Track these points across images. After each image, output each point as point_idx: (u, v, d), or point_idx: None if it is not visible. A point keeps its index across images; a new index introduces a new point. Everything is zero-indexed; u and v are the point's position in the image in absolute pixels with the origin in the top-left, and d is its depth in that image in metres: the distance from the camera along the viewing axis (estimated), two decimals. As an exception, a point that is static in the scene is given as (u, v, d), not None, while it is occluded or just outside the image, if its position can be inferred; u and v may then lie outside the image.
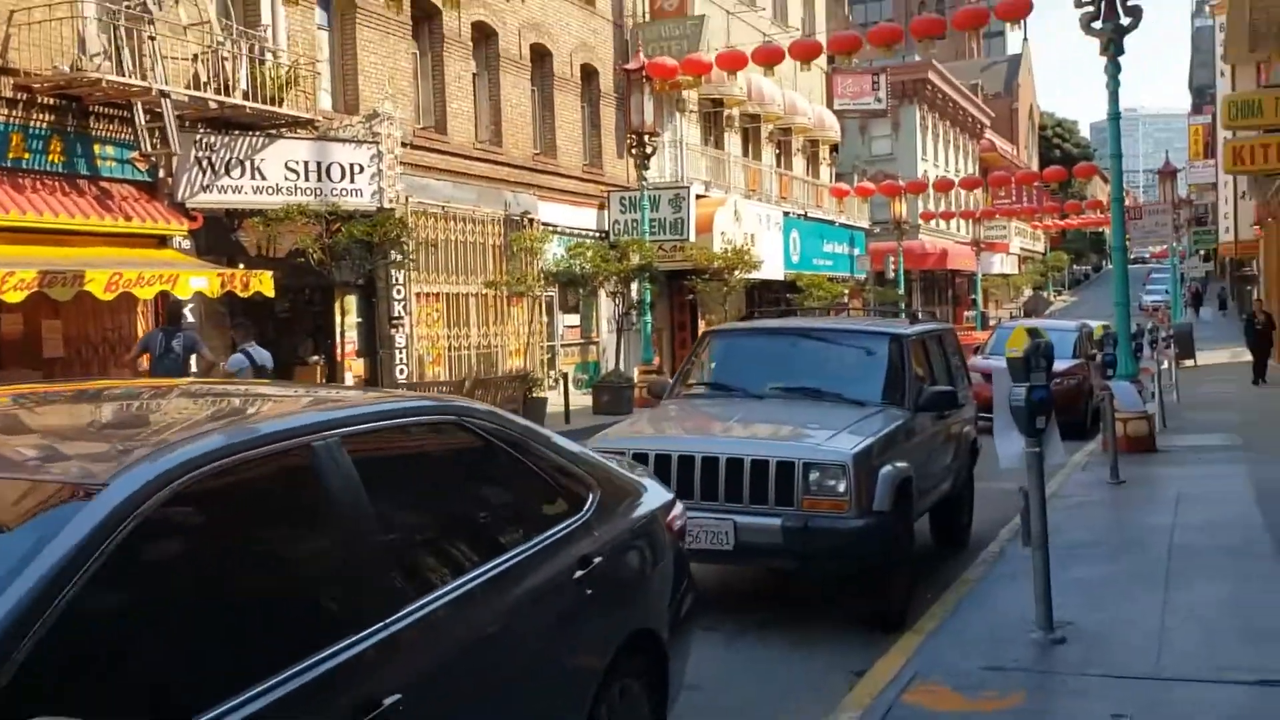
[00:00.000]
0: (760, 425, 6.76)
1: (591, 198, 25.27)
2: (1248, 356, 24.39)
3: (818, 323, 8.48)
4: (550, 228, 23.33)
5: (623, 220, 25.29)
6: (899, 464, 6.50)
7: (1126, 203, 13.58)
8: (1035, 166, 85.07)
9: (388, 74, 19.17)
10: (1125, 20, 13.11)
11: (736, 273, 25.24)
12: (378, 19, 19.04)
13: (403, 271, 19.22)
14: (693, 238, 25.21)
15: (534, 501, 3.60)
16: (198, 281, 13.63)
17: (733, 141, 32.67)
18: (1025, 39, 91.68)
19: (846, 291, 43.44)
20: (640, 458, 6.28)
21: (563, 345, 24.42)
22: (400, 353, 19.15)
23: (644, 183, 22.82)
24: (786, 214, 34.17)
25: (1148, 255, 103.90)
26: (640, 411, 8.18)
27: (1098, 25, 13.22)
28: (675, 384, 7.62)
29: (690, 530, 5.97)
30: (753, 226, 29.49)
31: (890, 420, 6.82)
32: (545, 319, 23.37)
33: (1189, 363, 30.15)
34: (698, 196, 28.18)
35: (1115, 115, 13.08)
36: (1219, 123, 19.48)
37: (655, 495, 4.21)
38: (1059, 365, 17.54)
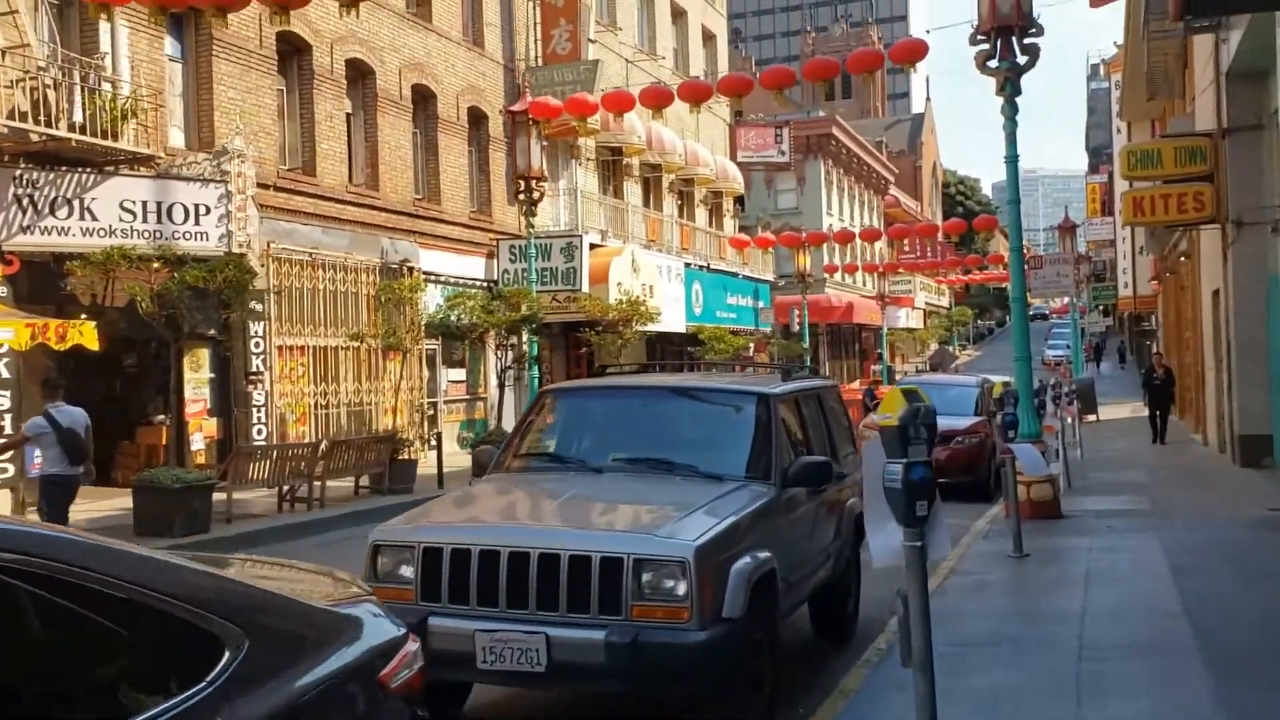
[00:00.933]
0: (589, 509, 5.49)
1: (479, 246, 24.03)
2: (1147, 411, 23.68)
3: (674, 380, 7.16)
4: (432, 277, 22.02)
5: (512, 270, 24.07)
6: (759, 554, 5.30)
7: (1026, 255, 12.76)
8: (939, 220, 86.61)
9: (248, 110, 17.76)
10: (1022, 59, 12.40)
11: (633, 325, 24.12)
12: (238, 52, 17.67)
13: (262, 322, 17.72)
14: (586, 288, 24.09)
15: (106, 672, 2.28)
16: (1, 333, 12.01)
17: (633, 191, 31.79)
18: (928, 98, 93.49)
19: (751, 345, 42.87)
20: (432, 553, 4.98)
21: (446, 402, 23.00)
22: (258, 411, 17.56)
23: (531, 230, 21.65)
24: (688, 265, 33.33)
25: (1048, 311, 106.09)
26: (456, 489, 6.74)
27: (994, 64, 12.49)
28: (502, 454, 6.34)
29: (494, 648, 4.70)
30: (652, 277, 28.50)
31: (752, 499, 5.63)
32: (425, 374, 21.93)
33: (1091, 418, 29.87)
34: (593, 246, 27.13)
35: (1013, 157, 12.32)
36: (1117, 174, 19.05)
37: (373, 635, 2.93)
38: (960, 423, 16.83)
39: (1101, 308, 62.32)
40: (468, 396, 23.98)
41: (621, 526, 5.21)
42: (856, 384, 49.71)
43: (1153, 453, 20.05)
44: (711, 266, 35.77)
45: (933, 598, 8.45)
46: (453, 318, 19.55)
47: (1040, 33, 12.38)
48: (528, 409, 6.84)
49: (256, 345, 17.58)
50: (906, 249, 63.96)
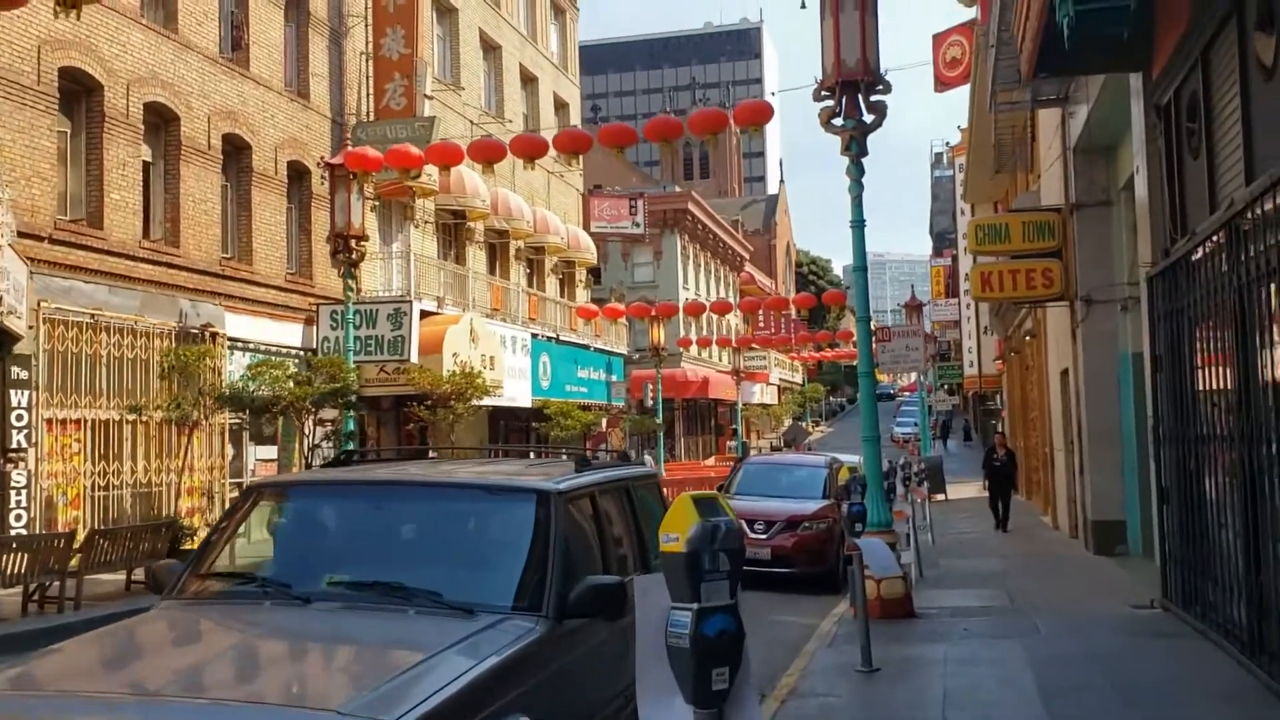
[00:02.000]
0: (251, 669, 3.81)
1: (297, 311, 22.07)
2: (988, 495, 21.98)
3: (426, 473, 5.52)
4: (240, 344, 19.98)
5: (333, 337, 22.14)
6: (509, 727, 3.74)
7: (874, 329, 11.71)
8: (792, 304, 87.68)
9: (19, 152, 15.63)
10: (868, 117, 11.48)
11: (468, 399, 22.41)
12: (9, 86, 15.58)
13: (28, 392, 15.43)
14: (415, 358, 22.32)
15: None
16: None
17: (476, 257, 30.28)
18: (781, 180, 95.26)
19: (604, 420, 41.49)
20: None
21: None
22: (18, 494, 15.18)
23: (350, 294, 19.85)
24: (536, 336, 31.84)
25: (893, 391, 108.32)
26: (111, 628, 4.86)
27: (839, 122, 11.54)
28: (186, 572, 4.65)
29: None
30: (494, 348, 26.90)
31: (514, 640, 4.09)
32: (230, 451, 19.74)
33: (940, 497, 29.41)
34: (429, 314, 25.42)
35: (859, 221, 11.30)
36: (964, 253, 18.56)
37: None
38: (807, 507, 15.68)
39: (947, 386, 63.43)
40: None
41: (282, 700, 3.52)
42: (712, 460, 48.90)
43: (1004, 538, 19.27)
44: (561, 338, 34.38)
45: (768, 731, 7.02)
46: (252, 388, 17.53)
47: (888, 89, 11.50)
48: (228, 510, 5.15)
49: (19, 418, 15.27)
50: (761, 324, 64.17)
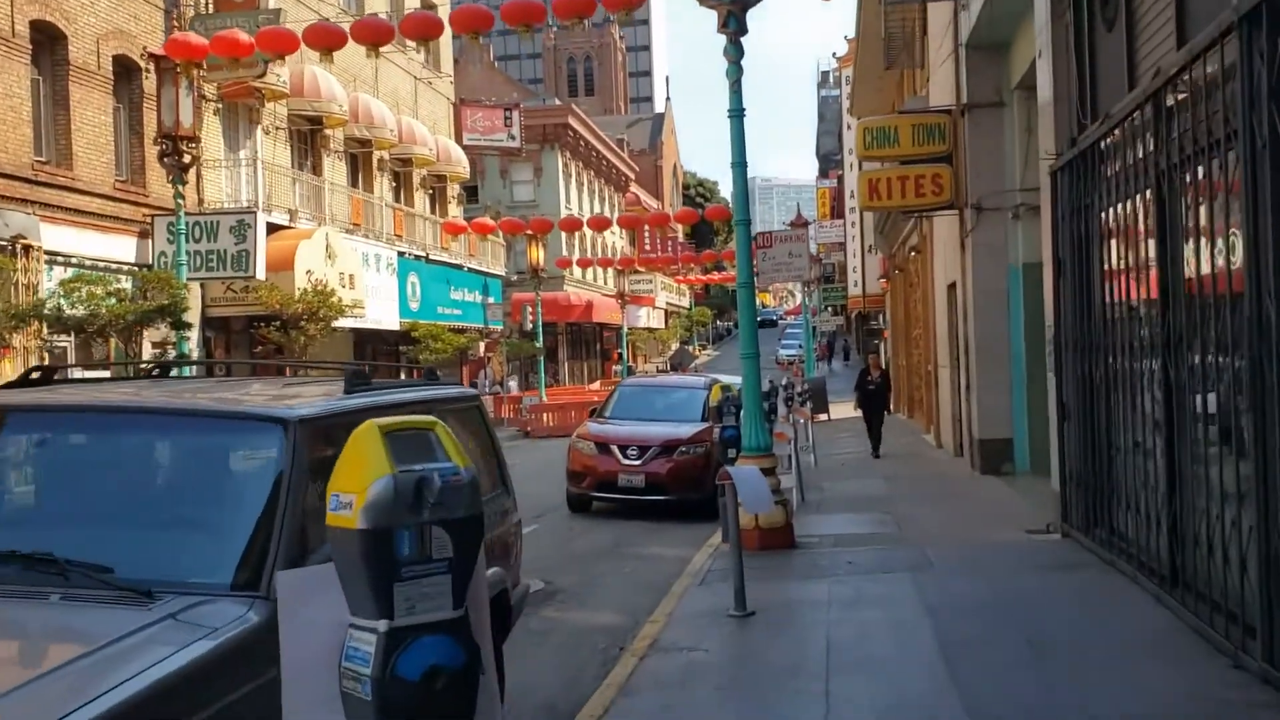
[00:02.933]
0: None
1: (130, 223, 19.93)
2: (863, 420, 20.14)
3: (122, 396, 4.01)
4: (61, 258, 17.86)
5: (170, 252, 20.10)
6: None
7: (754, 235, 10.51)
8: (680, 228, 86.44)
9: None
10: (747, -9, 10.12)
11: (321, 319, 20.68)
12: None
13: None
14: (262, 275, 20.45)
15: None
16: None
17: (336, 169, 28.18)
18: (668, 98, 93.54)
19: (482, 344, 39.92)
20: None
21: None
22: None
23: (179, 202, 17.83)
24: (403, 255, 30.01)
25: (777, 317, 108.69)
26: None
27: (715, -2, 10.16)
28: None
29: None
30: (353, 266, 25.08)
31: (204, 636, 2.73)
32: (48, 377, 17.71)
33: (823, 417, 28.89)
34: (280, 227, 23.46)
35: (738, 111, 10.02)
36: (852, 161, 17.50)
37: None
38: (684, 430, 14.56)
39: (831, 308, 63.40)
40: (114, 404, 19.84)
41: None
42: (597, 384, 47.74)
43: (887, 459, 18.44)
44: (432, 257, 32.58)
45: (622, 696, 5.87)
46: (65, 307, 15.57)
47: (768, -40, 10.16)
48: None
49: None
50: (648, 247, 62.92)
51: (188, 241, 20.14)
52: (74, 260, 18.14)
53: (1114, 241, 8.01)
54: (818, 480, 16.05)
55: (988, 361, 15.57)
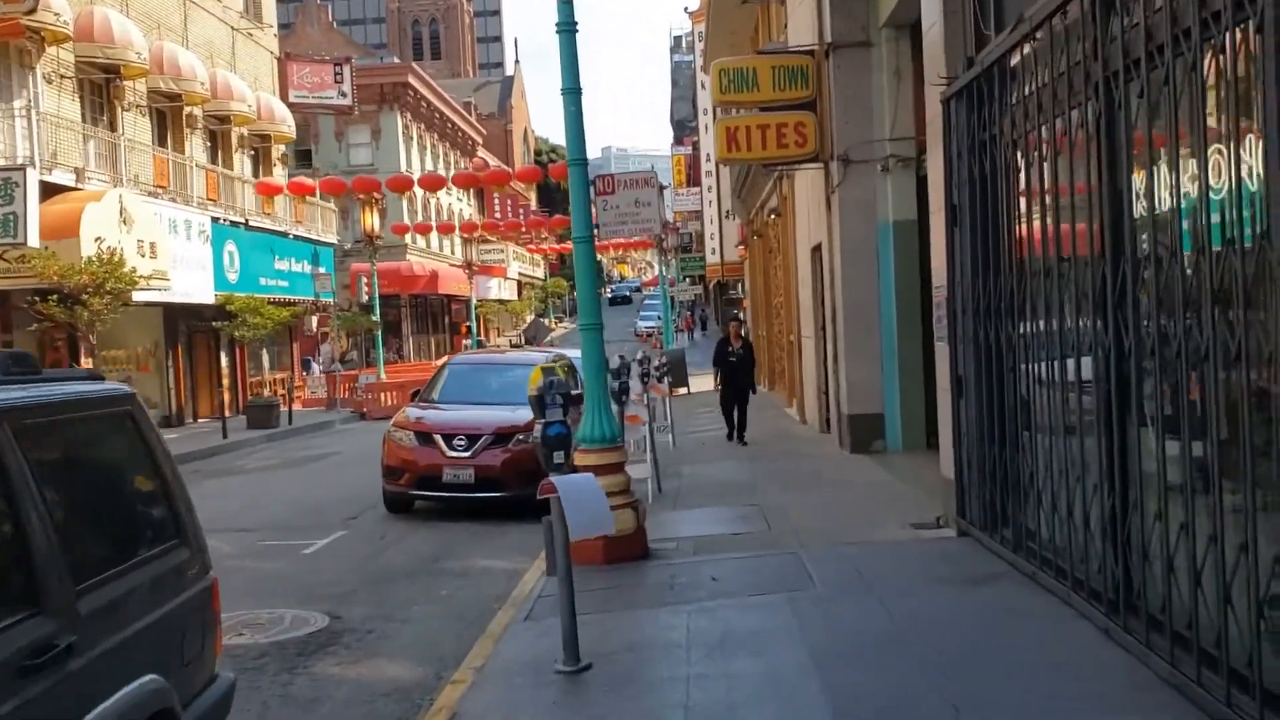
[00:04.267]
0: None
1: None
2: (720, 399, 17.23)
3: None
4: None
5: (-80, 215, 17.16)
6: None
7: (593, 179, 8.65)
8: (532, 195, 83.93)
9: None
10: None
11: (107, 293, 17.94)
12: None
13: None
14: (35, 242, 17.62)
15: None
16: None
17: (139, 125, 25.11)
18: (517, 60, 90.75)
19: (315, 319, 37.08)
20: None
21: None
22: None
23: (-85, 151, 14.97)
24: (217, 221, 27.12)
25: (639, 284, 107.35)
26: None
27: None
28: None
29: None
30: (155, 233, 22.25)
31: None
32: None
33: (682, 391, 27.47)
34: (65, 188, 20.52)
35: (568, 26, 8.13)
36: (711, 96, 15.78)
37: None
38: (523, 415, 12.56)
39: (690, 278, 62.23)
40: None
41: None
42: (444, 360, 45.25)
43: (750, 440, 16.71)
44: (252, 224, 29.68)
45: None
46: None
47: None
48: None
49: None
50: (497, 215, 60.47)
51: (-62, 202, 17.23)
52: None
53: (1032, 177, 6.47)
54: (676, 464, 14.44)
55: (856, 330, 14.19)
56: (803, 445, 15.79)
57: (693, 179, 62.90)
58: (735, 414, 16.40)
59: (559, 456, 5.94)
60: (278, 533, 11.25)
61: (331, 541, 10.63)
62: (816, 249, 16.50)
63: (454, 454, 11.59)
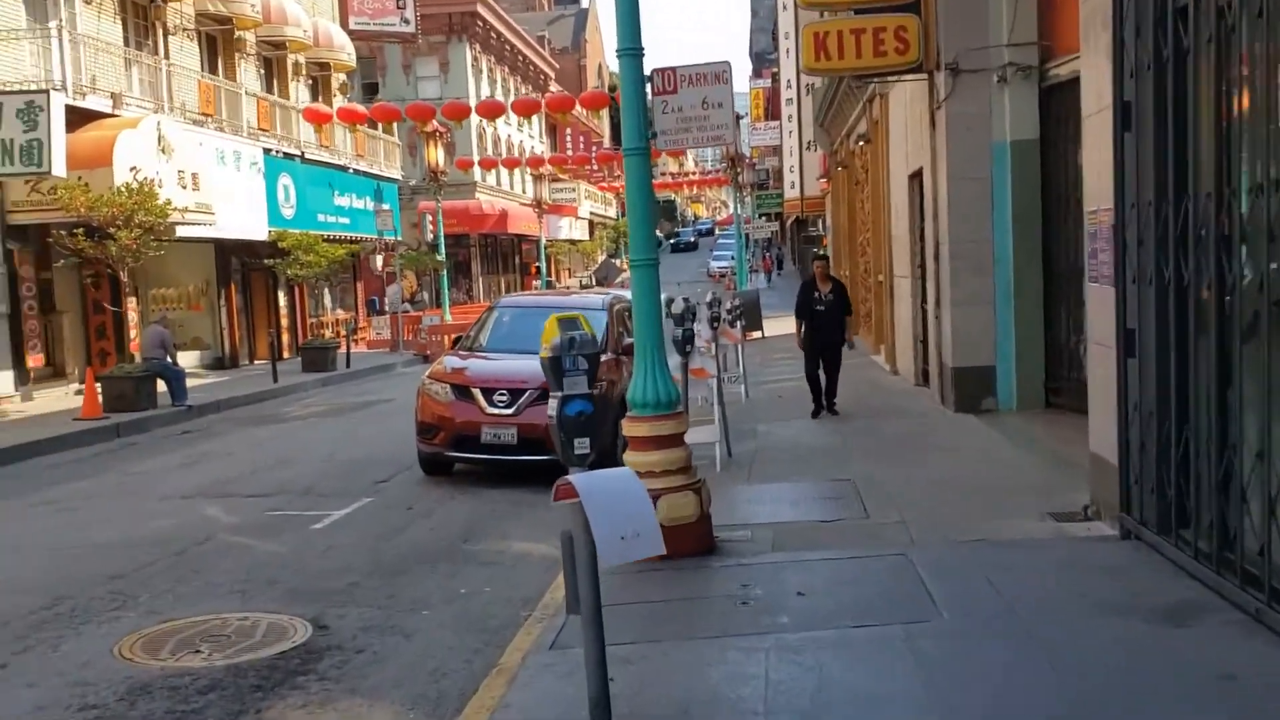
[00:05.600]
0: None
1: (-120, 104, 15.65)
2: (805, 358, 13.13)
3: None
4: None
5: (-61, 141, 15.96)
6: None
7: (650, 73, 6.83)
8: (605, 128, 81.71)
9: None
10: None
11: (136, 226, 16.60)
12: None
13: None
14: (62, 170, 16.34)
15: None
16: None
17: (184, 50, 23.75)
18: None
19: (379, 258, 35.80)
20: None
21: None
22: None
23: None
24: (270, 152, 25.77)
25: (712, 225, 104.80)
26: None
27: None
28: None
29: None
30: (197, 163, 20.93)
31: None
32: None
33: (756, 334, 25.69)
34: (100, 114, 19.24)
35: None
36: (791, 28, 13.77)
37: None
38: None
39: (766, 216, 59.89)
40: None
41: None
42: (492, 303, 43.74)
43: (843, 385, 14.45)
44: (308, 156, 28.31)
45: None
46: None
47: None
48: None
49: None
50: (570, 152, 58.58)
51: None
52: None
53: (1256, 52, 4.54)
54: (749, 421, 12.73)
55: (963, 269, 12.23)
56: (896, 401, 13.93)
57: (771, 113, 60.31)
58: (825, 379, 13.00)
59: (582, 445, 4.30)
60: (294, 499, 9.81)
61: (351, 512, 9.15)
62: (915, 176, 14.50)
63: (494, 411, 10.00)
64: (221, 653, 5.54)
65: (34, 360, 18.79)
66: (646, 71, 6.57)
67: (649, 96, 6.83)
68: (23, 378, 18.44)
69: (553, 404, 4.59)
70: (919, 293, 14.74)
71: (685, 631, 5.11)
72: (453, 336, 23.73)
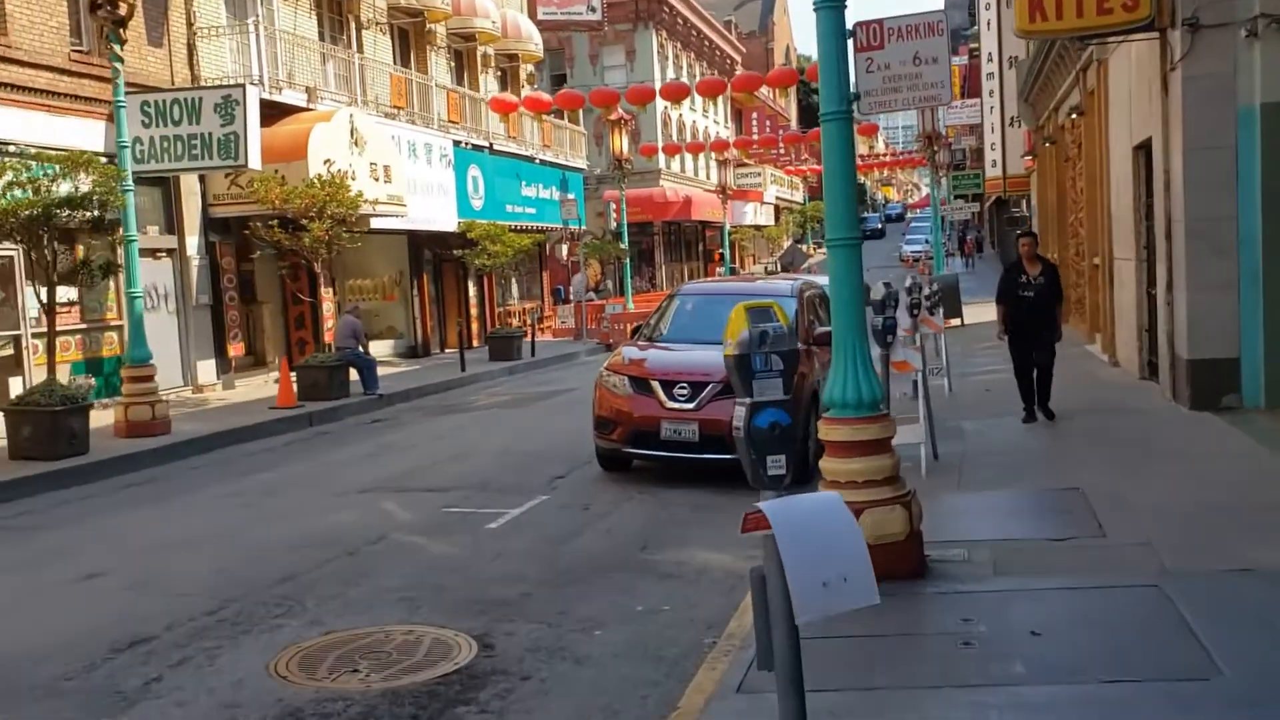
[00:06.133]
0: None
1: (95, 104, 16.32)
2: (1012, 354, 11.51)
3: None
4: (-7, 146, 14.38)
5: (147, 138, 16.52)
6: None
7: (852, 28, 6.01)
8: (793, 114, 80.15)
9: None
10: None
11: (328, 218, 16.80)
12: None
13: None
14: (257, 163, 16.68)
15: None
16: None
17: (377, 44, 24.16)
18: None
19: (565, 247, 35.88)
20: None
21: (42, 335, 15.34)
22: None
23: (118, 66, 13.94)
24: (460, 145, 25.99)
25: (902, 209, 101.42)
26: None
27: None
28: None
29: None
30: (389, 155, 21.18)
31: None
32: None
33: (955, 322, 24.26)
34: (296, 109, 19.67)
35: None
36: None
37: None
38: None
39: (963, 197, 57.32)
40: (84, 325, 16.49)
41: None
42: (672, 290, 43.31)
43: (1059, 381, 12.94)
44: (496, 148, 28.47)
45: None
46: (10, 203, 11.94)
47: None
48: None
49: None
50: (755, 136, 57.57)
51: (166, 124, 16.55)
52: (12, 150, 14.62)
53: None
54: (955, 417, 11.71)
55: (1201, 250, 10.86)
56: (1119, 396, 12.58)
57: (969, 90, 57.67)
58: (1035, 377, 11.29)
59: (776, 464, 3.59)
60: (470, 495, 9.47)
61: (527, 511, 8.72)
62: (1141, 148, 13.07)
63: (675, 405, 9.39)
64: (380, 674, 5.11)
65: (235, 349, 19.39)
66: (849, 25, 5.79)
67: (850, 54, 6.03)
68: (224, 366, 19.05)
69: (739, 412, 3.88)
70: (1145, 277, 13.31)
71: (899, 678, 4.34)
72: (629, 324, 23.30)
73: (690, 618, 5.85)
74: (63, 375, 15.94)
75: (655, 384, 9.58)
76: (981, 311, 26.92)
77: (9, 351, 15.14)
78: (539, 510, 8.75)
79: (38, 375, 14.07)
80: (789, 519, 3.02)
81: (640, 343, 10.90)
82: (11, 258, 14.87)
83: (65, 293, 15.60)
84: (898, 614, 5.15)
